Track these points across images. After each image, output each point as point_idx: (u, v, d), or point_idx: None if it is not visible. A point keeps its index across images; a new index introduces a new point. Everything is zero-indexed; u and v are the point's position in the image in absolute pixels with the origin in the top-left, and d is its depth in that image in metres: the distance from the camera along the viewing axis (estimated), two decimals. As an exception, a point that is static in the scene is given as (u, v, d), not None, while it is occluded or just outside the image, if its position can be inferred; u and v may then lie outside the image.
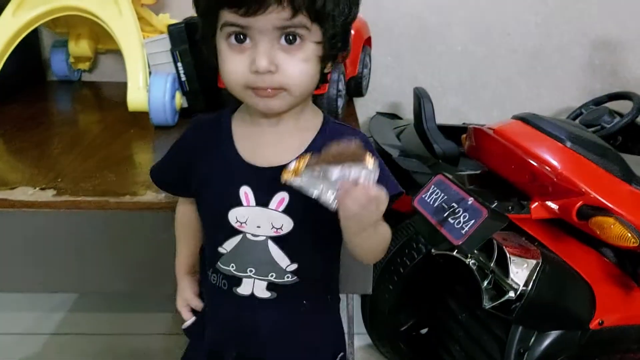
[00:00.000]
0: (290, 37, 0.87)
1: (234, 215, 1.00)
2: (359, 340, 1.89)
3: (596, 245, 1.36)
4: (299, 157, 0.84)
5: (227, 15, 0.87)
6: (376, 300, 1.67)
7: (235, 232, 1.01)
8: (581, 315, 1.32)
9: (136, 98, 1.83)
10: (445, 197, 1.19)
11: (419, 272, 1.62)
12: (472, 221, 1.09)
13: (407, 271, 1.60)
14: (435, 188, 1.23)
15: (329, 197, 0.83)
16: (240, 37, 0.88)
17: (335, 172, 0.80)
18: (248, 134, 1.01)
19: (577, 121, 2.22)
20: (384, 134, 2.26)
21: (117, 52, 2.57)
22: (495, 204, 1.22)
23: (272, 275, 1.02)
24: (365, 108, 2.68)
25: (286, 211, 0.98)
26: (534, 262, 1.20)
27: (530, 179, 1.20)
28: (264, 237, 1.00)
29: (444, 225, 1.15)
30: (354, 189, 0.81)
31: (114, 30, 1.91)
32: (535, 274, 1.19)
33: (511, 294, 1.19)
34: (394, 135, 2.28)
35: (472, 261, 1.26)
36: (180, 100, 1.91)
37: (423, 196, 1.25)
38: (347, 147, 0.81)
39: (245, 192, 0.99)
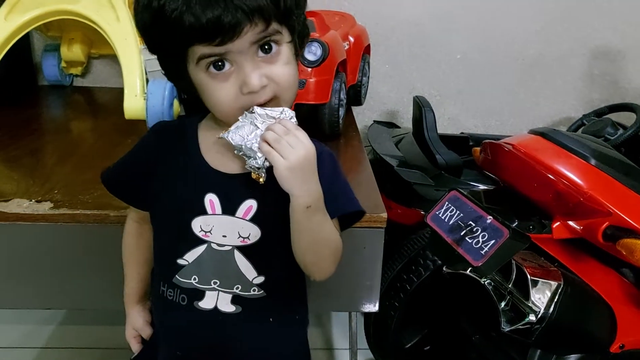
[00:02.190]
0: (266, 46, 0.88)
1: (198, 224, 0.96)
2: (361, 357, 1.84)
3: (616, 266, 1.32)
4: None
5: (201, 49, 0.85)
6: (381, 317, 1.62)
7: (199, 241, 0.97)
8: (602, 339, 1.28)
9: (133, 106, 1.78)
10: (461, 214, 1.15)
11: (426, 289, 1.58)
12: (492, 241, 1.05)
13: (414, 288, 1.56)
14: (449, 204, 1.19)
15: (253, 143, 0.86)
16: (219, 64, 0.87)
17: (260, 121, 0.87)
18: (215, 143, 0.97)
19: (579, 132, 2.19)
20: (383, 143, 2.22)
21: (110, 57, 2.54)
22: (516, 223, 1.18)
23: (237, 288, 0.98)
24: (361, 116, 2.65)
25: (254, 220, 0.96)
26: (555, 284, 1.17)
27: (554, 197, 1.16)
28: (230, 247, 0.97)
29: (461, 244, 1.10)
30: (272, 124, 0.86)
31: (110, 36, 1.85)
32: (556, 297, 1.16)
33: (532, 317, 1.15)
34: (393, 144, 2.24)
35: (488, 281, 1.22)
36: (178, 108, 1.85)
37: (437, 213, 1.20)
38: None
39: (211, 200, 0.95)
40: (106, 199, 1.36)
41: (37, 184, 1.45)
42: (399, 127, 2.58)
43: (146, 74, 1.86)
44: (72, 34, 2.36)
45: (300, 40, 0.95)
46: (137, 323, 1.15)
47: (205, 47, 0.84)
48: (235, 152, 0.89)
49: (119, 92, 2.37)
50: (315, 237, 0.94)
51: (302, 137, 0.87)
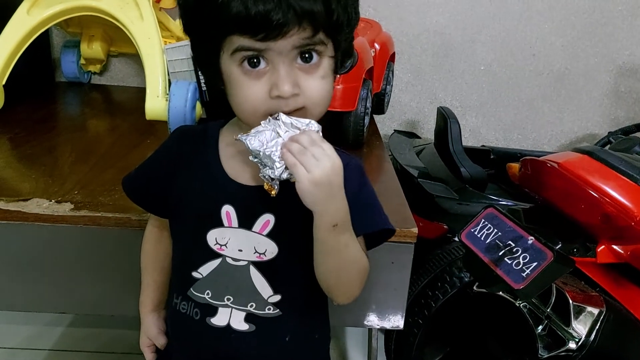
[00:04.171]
0: (307, 55, 0.83)
1: (214, 237, 0.92)
2: (379, 374, 1.80)
3: (658, 293, 1.27)
4: None
5: (240, 40, 0.80)
6: (404, 334, 1.57)
7: (213, 255, 0.93)
8: (643, 369, 1.24)
9: (155, 106, 1.74)
10: (499, 233, 1.10)
11: (451, 306, 1.53)
12: (535, 263, 1.00)
13: (439, 305, 1.50)
14: (486, 222, 1.14)
15: (273, 152, 0.80)
16: (254, 60, 0.82)
17: (283, 129, 0.81)
18: (236, 150, 0.93)
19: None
20: (405, 154, 2.18)
21: (128, 56, 2.51)
22: (560, 245, 1.13)
23: (251, 306, 0.94)
24: (381, 125, 2.60)
25: (271, 235, 0.91)
26: (597, 310, 1.12)
27: (602, 220, 1.11)
28: (246, 262, 0.92)
29: (500, 265, 1.05)
30: (296, 134, 0.80)
31: (133, 35, 1.81)
32: (598, 324, 1.11)
33: (572, 344, 1.10)
34: (415, 155, 2.20)
35: (523, 303, 1.17)
36: (200, 110, 1.81)
37: (472, 230, 1.15)
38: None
39: (227, 212, 0.91)
40: (127, 202, 1.29)
41: (56, 183, 1.41)
42: (419, 137, 2.54)
43: (168, 74, 1.82)
44: (92, 31, 2.32)
45: (342, 60, 0.90)
46: (151, 332, 1.11)
47: (245, 39, 0.79)
48: (251, 157, 0.83)
49: (137, 91, 2.36)
50: (341, 258, 0.88)
51: (328, 149, 0.81)
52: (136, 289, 1.15)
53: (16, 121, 1.87)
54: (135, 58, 2.51)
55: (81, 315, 2.12)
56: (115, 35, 2.35)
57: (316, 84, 0.84)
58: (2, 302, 1.37)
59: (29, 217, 1.26)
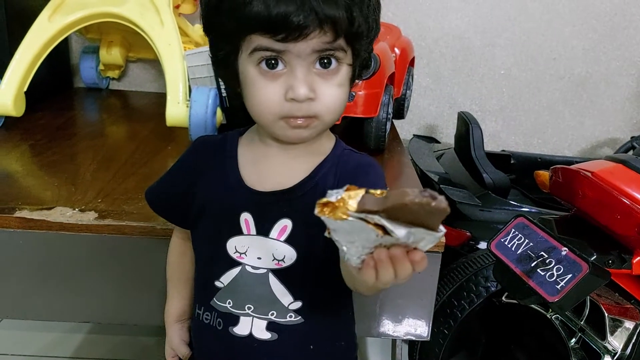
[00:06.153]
0: (326, 60, 0.81)
1: (233, 245, 0.91)
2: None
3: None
4: (347, 188, 0.62)
5: (259, 40, 0.79)
6: (429, 345, 1.55)
7: (233, 263, 0.91)
8: (680, 385, 1.21)
9: (175, 113, 1.73)
10: (531, 243, 1.08)
11: (478, 316, 1.50)
12: (569, 275, 0.98)
13: (465, 315, 1.48)
14: (516, 232, 1.12)
15: (353, 253, 0.64)
16: (272, 62, 0.81)
17: (401, 233, 0.58)
18: (254, 157, 0.93)
19: (630, 154, 2.11)
20: (426, 159, 2.16)
21: (147, 61, 2.51)
22: (595, 256, 1.11)
23: (272, 314, 0.92)
24: (399, 129, 2.58)
25: (289, 241, 0.89)
26: (633, 323, 1.10)
27: (639, 232, 1.09)
28: (265, 270, 0.90)
29: (533, 277, 1.03)
30: (403, 257, 0.62)
31: (154, 41, 1.81)
32: (635, 337, 1.09)
33: (607, 358, 1.08)
34: (435, 160, 2.18)
35: (555, 315, 1.15)
36: (220, 116, 1.80)
37: (502, 240, 1.13)
38: (423, 204, 0.56)
39: (246, 219, 0.90)
40: (151, 211, 1.30)
41: (79, 191, 1.40)
42: (439, 142, 2.52)
43: (188, 80, 1.81)
44: (111, 37, 2.33)
45: (360, 70, 0.89)
46: (173, 342, 1.10)
47: (265, 38, 0.78)
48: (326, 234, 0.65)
49: (156, 97, 2.36)
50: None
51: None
52: (161, 298, 1.14)
53: (37, 127, 1.87)
54: (153, 63, 2.51)
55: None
56: (133, 41, 2.35)
57: (332, 91, 0.83)
58: (27, 311, 1.36)
59: (53, 226, 1.25)
